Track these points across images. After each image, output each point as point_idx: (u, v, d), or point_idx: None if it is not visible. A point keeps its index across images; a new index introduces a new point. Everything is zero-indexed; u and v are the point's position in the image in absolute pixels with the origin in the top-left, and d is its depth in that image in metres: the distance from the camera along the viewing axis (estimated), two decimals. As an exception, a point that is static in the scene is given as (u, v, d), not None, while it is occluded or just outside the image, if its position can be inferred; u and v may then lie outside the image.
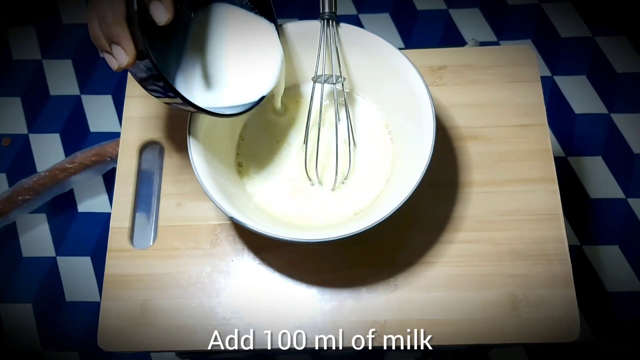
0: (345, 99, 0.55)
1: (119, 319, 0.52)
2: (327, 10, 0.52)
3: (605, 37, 1.12)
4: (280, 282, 0.53)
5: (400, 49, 0.52)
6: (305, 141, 0.54)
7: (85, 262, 0.99)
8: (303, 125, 0.56)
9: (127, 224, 0.56)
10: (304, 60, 0.56)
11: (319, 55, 0.53)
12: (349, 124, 0.55)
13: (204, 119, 0.51)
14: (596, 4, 1.15)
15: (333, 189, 0.54)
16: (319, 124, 0.55)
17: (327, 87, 0.55)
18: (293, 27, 0.54)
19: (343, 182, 0.54)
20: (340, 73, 0.54)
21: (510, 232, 0.54)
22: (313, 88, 0.54)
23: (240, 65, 0.51)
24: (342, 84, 0.54)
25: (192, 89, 0.48)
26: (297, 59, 0.56)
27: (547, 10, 1.15)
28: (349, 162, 0.54)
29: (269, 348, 0.51)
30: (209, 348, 0.51)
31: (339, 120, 0.55)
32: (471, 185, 0.56)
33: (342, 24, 0.54)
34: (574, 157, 1.03)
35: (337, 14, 0.53)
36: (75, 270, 0.99)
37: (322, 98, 0.54)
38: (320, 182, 0.54)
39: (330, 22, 0.53)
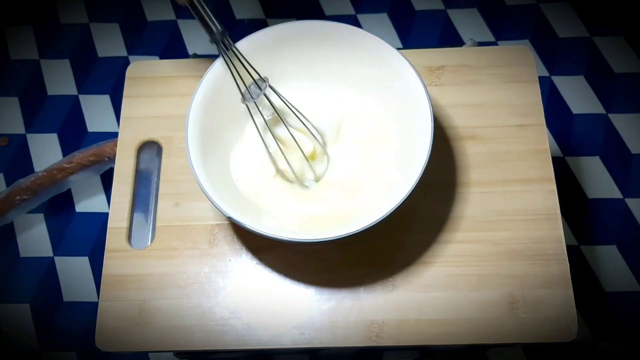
0: (273, 101, 0.54)
1: (116, 319, 0.52)
2: (214, 33, 0.51)
3: (603, 38, 1.12)
4: (279, 282, 0.53)
5: (398, 49, 0.53)
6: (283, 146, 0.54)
7: (83, 262, 0.99)
8: (301, 125, 0.56)
9: (125, 224, 0.56)
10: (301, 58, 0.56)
11: (233, 75, 0.51)
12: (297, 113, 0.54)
13: (202, 119, 0.51)
14: (594, 4, 1.15)
15: (316, 180, 0.54)
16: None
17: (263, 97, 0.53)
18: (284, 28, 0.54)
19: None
20: (259, 75, 0.52)
21: (508, 232, 0.54)
22: (248, 108, 0.53)
23: None
24: (267, 86, 0.52)
25: None
26: (293, 58, 0.56)
27: (545, 11, 1.15)
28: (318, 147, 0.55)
29: (268, 348, 0.51)
30: (207, 348, 0.51)
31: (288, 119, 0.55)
32: (469, 185, 0.56)
33: (340, 24, 0.54)
34: (571, 157, 1.03)
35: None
36: (73, 271, 0.98)
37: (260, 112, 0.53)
38: (301, 180, 0.54)
39: (222, 42, 0.51)
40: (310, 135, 0.55)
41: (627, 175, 1.01)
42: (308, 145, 0.54)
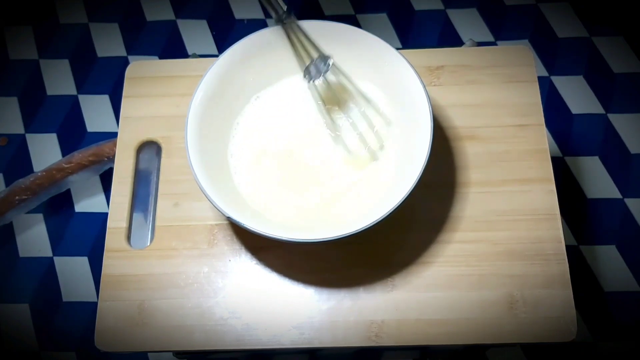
0: (342, 76, 0.55)
1: (116, 319, 0.52)
2: (279, 13, 0.52)
3: (602, 37, 1.12)
4: (278, 282, 0.53)
5: (397, 49, 0.53)
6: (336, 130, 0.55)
7: (83, 262, 0.99)
8: (300, 124, 0.56)
9: (124, 224, 0.56)
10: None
11: (296, 53, 0.53)
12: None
13: (201, 119, 0.51)
14: (594, 4, 1.16)
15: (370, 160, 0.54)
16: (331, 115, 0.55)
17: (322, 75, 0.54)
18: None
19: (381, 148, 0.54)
20: (322, 52, 0.53)
21: (508, 232, 0.54)
22: (312, 84, 0.54)
23: None
24: (331, 63, 0.53)
25: None
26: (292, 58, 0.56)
27: (544, 11, 1.15)
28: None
29: (267, 348, 0.51)
30: (207, 348, 0.51)
31: (350, 104, 0.56)
32: (469, 185, 0.56)
33: (340, 24, 0.54)
34: (571, 157, 1.03)
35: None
36: (73, 271, 0.98)
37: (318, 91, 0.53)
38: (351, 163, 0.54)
39: (286, 21, 0.53)
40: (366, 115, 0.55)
41: (627, 175, 1.01)
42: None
